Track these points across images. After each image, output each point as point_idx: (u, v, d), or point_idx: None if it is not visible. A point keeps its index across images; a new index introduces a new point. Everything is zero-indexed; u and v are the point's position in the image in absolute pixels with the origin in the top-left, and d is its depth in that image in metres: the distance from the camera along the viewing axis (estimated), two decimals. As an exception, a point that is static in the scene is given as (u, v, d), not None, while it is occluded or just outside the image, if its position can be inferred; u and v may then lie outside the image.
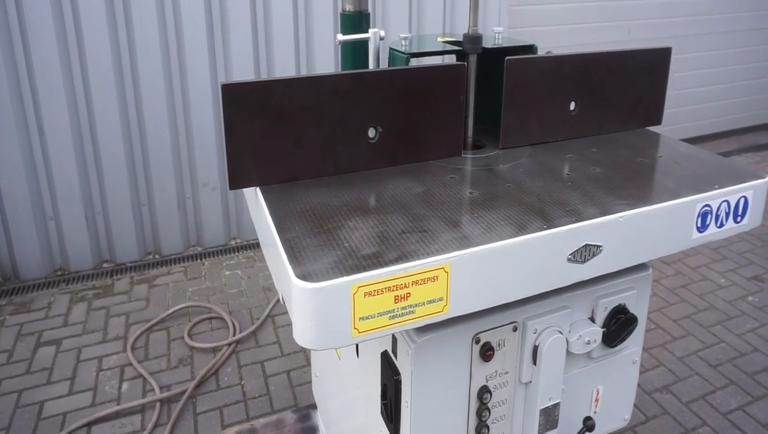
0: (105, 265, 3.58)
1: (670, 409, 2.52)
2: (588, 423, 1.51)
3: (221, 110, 1.26)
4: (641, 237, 1.25)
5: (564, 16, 4.70)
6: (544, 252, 1.14)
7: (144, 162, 3.48)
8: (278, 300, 3.17)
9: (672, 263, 3.65)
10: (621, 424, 1.61)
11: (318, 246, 1.07)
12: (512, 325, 1.30)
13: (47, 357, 2.80)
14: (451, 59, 1.65)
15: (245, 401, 2.56)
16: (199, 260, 3.66)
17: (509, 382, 1.34)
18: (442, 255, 1.04)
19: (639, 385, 2.59)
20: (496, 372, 1.32)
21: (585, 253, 1.18)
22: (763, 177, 1.39)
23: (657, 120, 1.76)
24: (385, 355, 1.32)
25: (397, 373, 1.26)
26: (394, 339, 1.26)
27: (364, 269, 0.99)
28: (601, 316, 1.40)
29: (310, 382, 2.61)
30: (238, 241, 3.87)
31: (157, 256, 3.68)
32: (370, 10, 1.68)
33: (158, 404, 2.51)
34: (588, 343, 1.38)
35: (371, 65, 1.56)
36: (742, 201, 1.36)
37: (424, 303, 1.05)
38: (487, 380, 1.31)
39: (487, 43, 1.59)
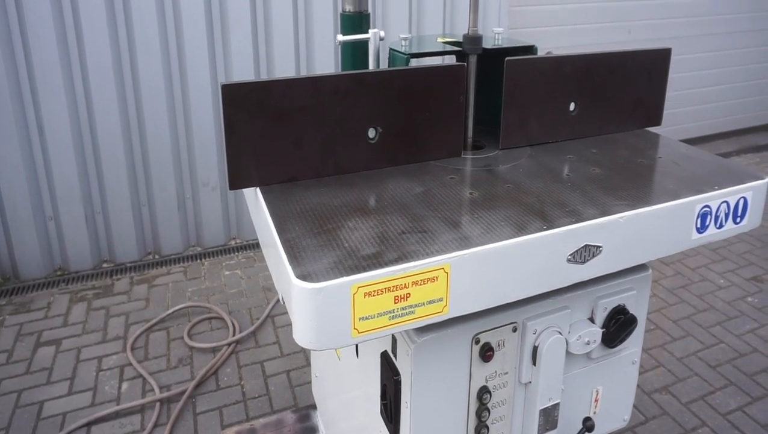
0: (105, 265, 3.58)
1: (669, 410, 2.52)
2: (587, 424, 1.51)
3: (221, 110, 1.26)
4: (641, 238, 1.25)
5: (564, 17, 4.70)
6: (543, 253, 1.14)
7: (144, 162, 3.48)
8: (278, 300, 3.17)
9: (671, 264, 3.66)
10: (620, 425, 1.61)
11: (318, 246, 1.07)
12: (512, 325, 1.30)
13: (47, 357, 2.79)
14: (451, 60, 1.65)
15: (245, 401, 2.56)
16: (198, 261, 3.66)
17: (509, 382, 1.34)
18: (442, 256, 1.04)
19: (638, 386, 2.59)
20: (495, 372, 1.32)
21: (585, 253, 1.18)
22: (762, 178, 1.39)
23: (657, 121, 1.76)
24: (384, 355, 1.32)
25: (397, 373, 1.26)
26: (394, 340, 1.26)
27: (364, 269, 0.99)
28: (600, 316, 1.40)
29: (309, 382, 2.61)
30: (238, 241, 3.87)
31: (156, 256, 3.69)
32: (370, 10, 1.68)
33: (158, 404, 2.51)
34: (587, 343, 1.38)
35: (371, 66, 1.56)
36: (741, 202, 1.36)
37: (423, 304, 1.05)
38: (486, 380, 1.31)
39: (487, 44, 1.59)
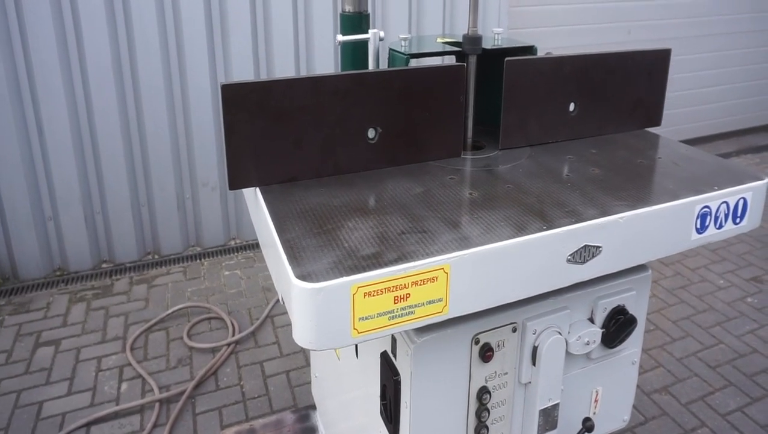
0: (104, 265, 3.58)
1: (669, 410, 2.52)
2: (587, 424, 1.51)
3: (221, 110, 1.26)
4: (640, 238, 1.25)
5: (564, 17, 4.70)
6: (543, 253, 1.14)
7: (143, 162, 3.48)
8: (278, 301, 3.17)
9: (671, 264, 3.66)
10: (620, 425, 1.61)
11: (318, 247, 1.07)
12: (512, 326, 1.30)
13: (46, 357, 2.79)
14: (450, 60, 1.65)
15: (244, 401, 2.56)
16: (198, 261, 3.66)
17: (509, 383, 1.34)
18: (441, 256, 1.04)
19: (638, 386, 2.59)
20: (495, 372, 1.32)
21: (584, 254, 1.18)
22: (762, 179, 1.39)
23: (656, 121, 1.76)
24: (384, 356, 1.32)
25: (397, 374, 1.26)
26: (394, 340, 1.26)
27: (364, 269, 0.99)
28: (600, 317, 1.40)
29: (309, 382, 2.61)
30: (238, 241, 3.87)
31: (156, 256, 3.68)
32: (369, 10, 1.68)
33: (157, 404, 2.50)
34: (587, 344, 1.38)
35: (371, 66, 1.56)
36: (741, 202, 1.36)
37: (423, 304, 1.05)
38: (486, 380, 1.31)
39: (487, 44, 1.59)
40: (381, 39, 1.55)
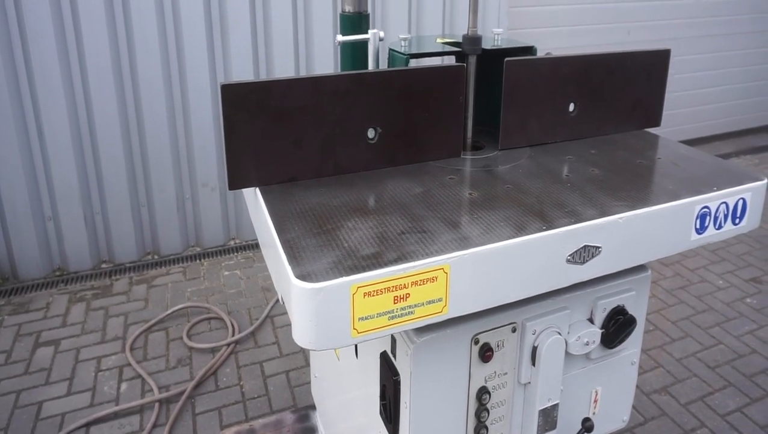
0: (104, 265, 3.58)
1: (668, 411, 2.52)
2: (587, 425, 1.51)
3: (221, 110, 1.26)
4: (640, 239, 1.25)
5: (563, 18, 4.71)
6: (543, 253, 1.14)
7: (143, 162, 3.48)
8: (277, 301, 3.17)
9: (670, 265, 3.66)
10: (619, 425, 1.61)
11: (317, 247, 1.07)
12: (511, 326, 1.30)
13: (46, 358, 2.79)
14: (450, 60, 1.66)
15: (244, 401, 2.56)
16: (198, 261, 3.66)
17: (508, 383, 1.34)
18: (441, 256, 1.04)
19: (637, 386, 2.59)
20: (495, 372, 1.32)
21: (584, 254, 1.18)
22: (761, 179, 1.39)
23: (656, 122, 1.76)
24: (384, 356, 1.32)
25: (396, 374, 1.26)
26: (393, 340, 1.26)
27: (364, 269, 0.99)
28: (599, 317, 1.40)
29: (309, 383, 2.61)
30: (237, 241, 3.87)
31: (156, 256, 3.68)
32: (369, 11, 1.68)
33: (157, 404, 2.50)
34: (587, 344, 1.38)
35: (371, 66, 1.56)
36: (740, 203, 1.36)
37: (423, 304, 1.05)
38: (486, 381, 1.31)
39: (487, 45, 1.60)
40: (381, 39, 1.55)
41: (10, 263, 3.36)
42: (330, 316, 0.98)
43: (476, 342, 1.27)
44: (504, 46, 1.64)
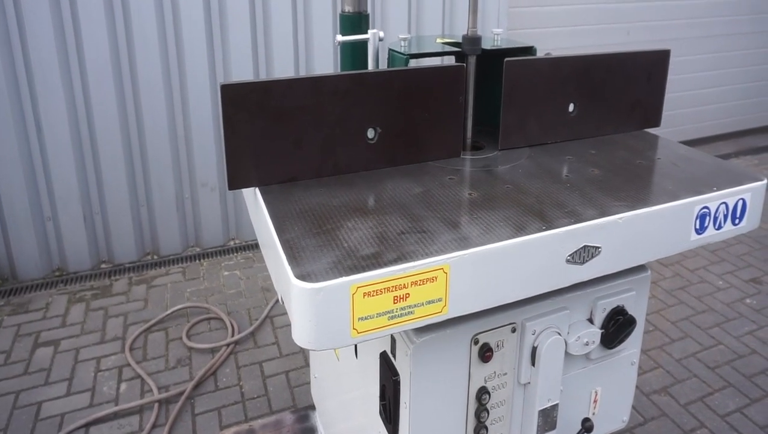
0: (103, 266, 3.58)
1: (668, 411, 2.52)
2: (586, 425, 1.51)
3: (220, 110, 1.26)
4: (640, 239, 1.25)
5: (563, 18, 4.71)
6: (543, 253, 1.14)
7: (142, 161, 3.48)
8: (277, 301, 3.17)
9: (670, 265, 3.66)
10: (619, 426, 1.61)
11: (317, 247, 1.07)
12: (511, 326, 1.30)
13: (45, 358, 2.79)
14: (450, 60, 1.66)
15: (243, 402, 2.56)
16: (197, 261, 3.66)
17: (508, 383, 1.34)
18: (441, 256, 1.04)
19: (637, 387, 2.60)
20: (494, 373, 1.32)
21: (584, 254, 1.18)
22: (761, 180, 1.39)
23: (656, 122, 1.76)
24: (383, 356, 1.32)
25: (396, 374, 1.26)
26: (393, 340, 1.26)
27: (364, 269, 0.99)
28: (599, 317, 1.40)
29: (308, 383, 2.61)
30: (237, 241, 3.87)
31: (155, 256, 3.68)
32: (369, 11, 1.68)
33: (156, 405, 2.50)
34: (586, 344, 1.38)
35: (370, 66, 1.56)
36: (740, 203, 1.36)
37: (423, 304, 1.05)
38: (485, 381, 1.31)
39: (486, 45, 1.60)
40: (380, 39, 1.55)
41: (10, 263, 3.36)
42: (330, 316, 0.98)
43: (476, 342, 1.26)
44: (504, 47, 1.64)
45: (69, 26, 3.09)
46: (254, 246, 3.81)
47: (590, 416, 1.53)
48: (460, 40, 1.54)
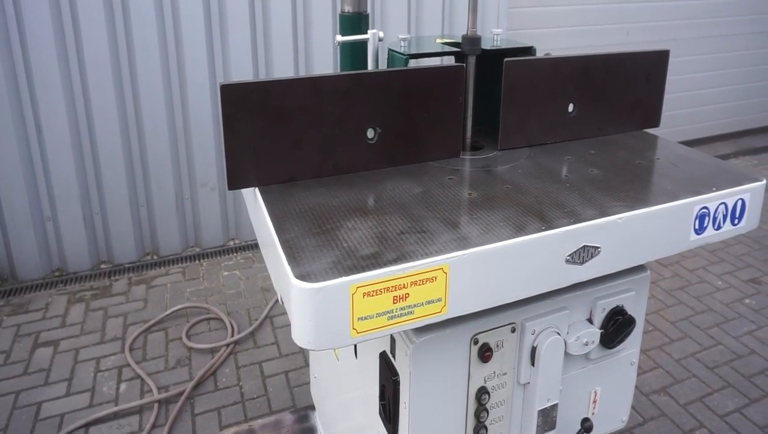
0: (103, 266, 3.58)
1: (667, 411, 2.52)
2: (586, 425, 1.51)
3: (220, 110, 1.27)
4: (639, 239, 1.25)
5: (563, 19, 4.71)
6: (542, 253, 1.14)
7: (142, 161, 3.48)
8: (277, 301, 3.17)
9: (669, 265, 3.66)
10: (619, 426, 1.61)
11: (317, 246, 1.07)
12: (510, 326, 1.30)
13: (45, 358, 2.79)
14: (449, 61, 1.66)
15: (243, 402, 2.56)
16: (197, 261, 3.66)
17: (507, 383, 1.34)
18: (440, 256, 1.04)
19: (637, 387, 2.60)
20: (494, 372, 1.32)
21: (583, 254, 1.18)
22: (760, 180, 1.39)
23: (655, 122, 1.77)
24: (383, 356, 1.32)
25: (396, 374, 1.26)
26: (393, 340, 1.26)
27: (363, 269, 0.99)
28: (599, 317, 1.40)
29: (308, 383, 2.61)
30: (237, 242, 3.87)
31: (155, 257, 3.68)
32: (369, 11, 1.68)
33: (156, 405, 2.50)
34: (586, 344, 1.38)
35: (370, 66, 1.56)
36: (739, 204, 1.37)
37: (422, 304, 1.05)
38: (485, 381, 1.31)
39: (486, 45, 1.60)
40: (380, 39, 1.56)
41: (9, 263, 3.36)
42: (329, 316, 0.98)
43: (475, 342, 1.27)
44: (503, 47, 1.64)
45: (69, 27, 3.09)
46: (254, 246, 3.81)
47: (590, 416, 1.53)
48: (459, 41, 1.54)
